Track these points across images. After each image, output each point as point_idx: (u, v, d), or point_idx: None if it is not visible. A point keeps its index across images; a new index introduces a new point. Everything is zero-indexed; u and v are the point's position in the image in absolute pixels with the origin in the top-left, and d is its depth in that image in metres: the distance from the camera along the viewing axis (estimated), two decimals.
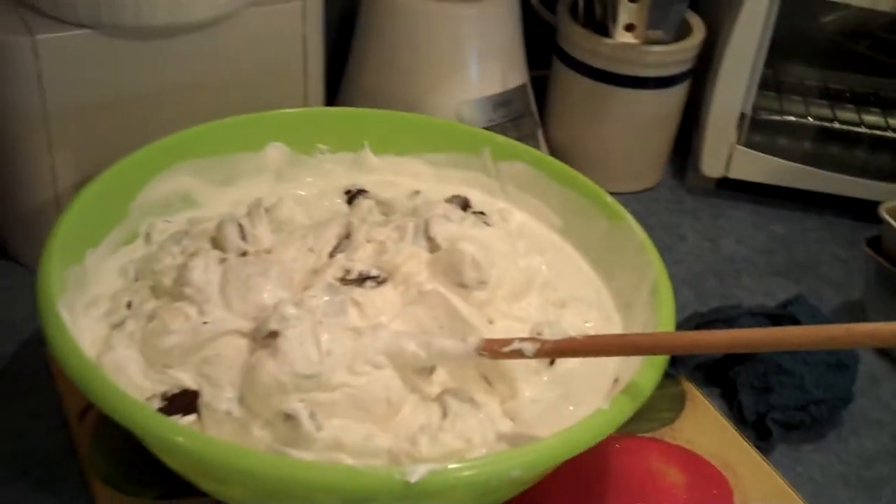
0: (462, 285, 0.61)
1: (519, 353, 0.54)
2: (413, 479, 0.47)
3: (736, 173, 0.91)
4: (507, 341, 0.55)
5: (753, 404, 0.70)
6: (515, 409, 0.58)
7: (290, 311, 0.55)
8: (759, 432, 0.70)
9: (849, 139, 0.96)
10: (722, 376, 0.73)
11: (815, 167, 0.91)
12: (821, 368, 0.70)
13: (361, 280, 0.60)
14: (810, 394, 0.70)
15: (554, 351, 0.54)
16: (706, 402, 0.71)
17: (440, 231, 0.62)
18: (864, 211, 0.90)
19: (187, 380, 0.56)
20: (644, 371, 0.55)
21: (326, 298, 0.57)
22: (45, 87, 0.69)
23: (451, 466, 0.48)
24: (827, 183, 0.91)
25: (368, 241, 0.63)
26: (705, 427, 0.69)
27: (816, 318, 0.74)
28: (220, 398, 0.54)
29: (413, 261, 0.61)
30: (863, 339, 0.47)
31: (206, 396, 0.55)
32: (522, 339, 0.55)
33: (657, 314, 0.60)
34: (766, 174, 0.91)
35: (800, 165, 0.90)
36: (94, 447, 0.62)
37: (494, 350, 0.55)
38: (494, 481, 0.49)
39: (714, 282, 0.84)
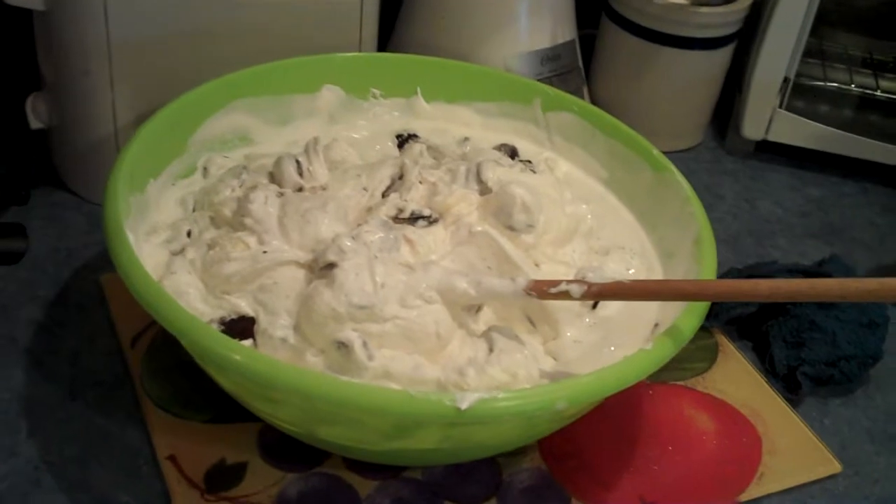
0: (511, 228, 0.63)
1: (566, 295, 0.56)
2: (463, 405, 0.49)
3: (776, 137, 0.93)
4: (555, 282, 0.57)
5: (785, 358, 0.72)
6: (557, 348, 0.60)
7: (348, 244, 0.57)
8: (789, 385, 0.71)
9: (890, 108, 0.97)
10: (755, 331, 0.75)
11: (855, 134, 0.92)
12: (853, 326, 0.72)
13: (414, 219, 0.62)
14: (841, 350, 0.71)
15: (600, 294, 0.56)
16: (738, 354, 0.73)
17: (492, 175, 0.64)
18: None
19: (244, 306, 0.58)
20: (685, 317, 0.56)
21: (381, 234, 0.59)
22: (111, 22, 0.70)
23: (500, 395, 0.50)
24: (865, 149, 0.92)
25: (421, 183, 0.65)
26: (736, 378, 0.71)
27: (851, 275, 0.75)
28: (276, 325, 0.57)
29: (464, 202, 0.63)
30: None
31: (263, 323, 0.57)
32: (570, 281, 0.56)
33: (700, 265, 0.61)
34: (806, 138, 0.92)
35: (839, 131, 0.91)
36: (146, 372, 0.65)
37: (542, 290, 0.57)
38: (540, 412, 0.51)
39: (750, 241, 0.86)
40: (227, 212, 0.62)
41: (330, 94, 0.74)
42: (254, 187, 0.63)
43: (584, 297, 0.56)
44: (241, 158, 0.70)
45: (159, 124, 0.65)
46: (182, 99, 0.67)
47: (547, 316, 0.61)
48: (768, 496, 0.63)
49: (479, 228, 0.62)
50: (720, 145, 0.98)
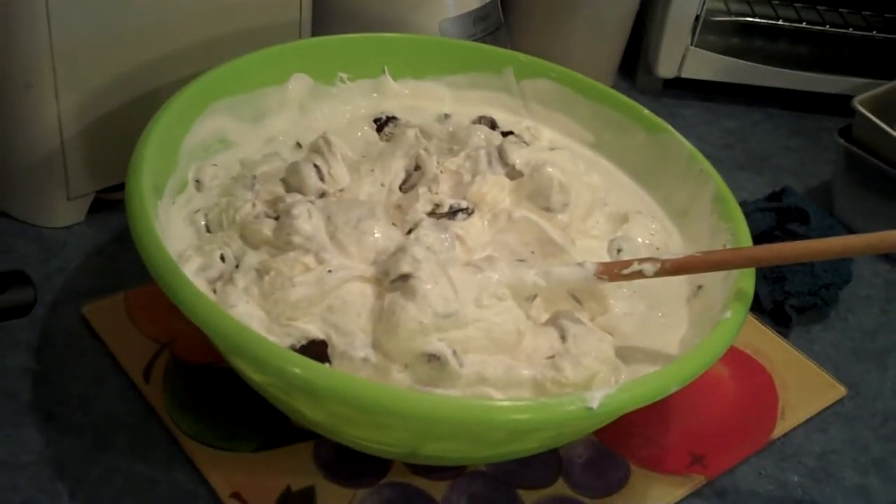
0: (547, 209, 0.62)
1: (639, 274, 0.57)
2: (595, 405, 0.49)
3: (688, 73, 0.96)
4: (626, 263, 0.57)
5: (770, 293, 0.75)
6: (610, 323, 0.61)
7: (420, 252, 0.54)
8: (777, 318, 0.75)
9: (789, 34, 1.01)
10: None
11: (759, 63, 0.96)
12: None
13: (453, 213, 0.60)
14: (820, 279, 0.75)
15: (675, 269, 0.56)
16: None
17: (518, 157, 0.63)
18: (797, 101, 0.97)
19: (314, 330, 0.54)
20: (744, 278, 0.58)
21: (438, 234, 0.57)
22: (53, 25, 0.64)
23: (622, 388, 0.50)
24: (769, 77, 0.96)
25: (441, 172, 0.63)
26: None
27: (810, 206, 0.80)
28: (355, 345, 0.54)
29: (496, 188, 0.62)
30: None
31: (340, 345, 0.54)
32: (642, 261, 0.57)
33: (728, 222, 0.63)
34: (716, 72, 0.96)
35: (745, 62, 0.96)
36: (174, 408, 0.60)
37: (613, 273, 0.57)
38: (657, 398, 0.52)
39: None
40: (266, 231, 0.57)
41: (298, 84, 0.70)
42: (276, 200, 0.59)
43: (657, 274, 0.56)
44: (230, 163, 0.65)
45: (157, 139, 0.59)
46: (168, 110, 0.61)
47: (594, 292, 0.61)
48: (794, 430, 0.67)
49: (519, 214, 0.61)
50: (631, 86, 1.00)
